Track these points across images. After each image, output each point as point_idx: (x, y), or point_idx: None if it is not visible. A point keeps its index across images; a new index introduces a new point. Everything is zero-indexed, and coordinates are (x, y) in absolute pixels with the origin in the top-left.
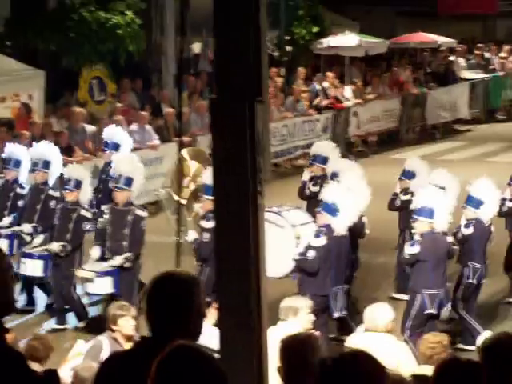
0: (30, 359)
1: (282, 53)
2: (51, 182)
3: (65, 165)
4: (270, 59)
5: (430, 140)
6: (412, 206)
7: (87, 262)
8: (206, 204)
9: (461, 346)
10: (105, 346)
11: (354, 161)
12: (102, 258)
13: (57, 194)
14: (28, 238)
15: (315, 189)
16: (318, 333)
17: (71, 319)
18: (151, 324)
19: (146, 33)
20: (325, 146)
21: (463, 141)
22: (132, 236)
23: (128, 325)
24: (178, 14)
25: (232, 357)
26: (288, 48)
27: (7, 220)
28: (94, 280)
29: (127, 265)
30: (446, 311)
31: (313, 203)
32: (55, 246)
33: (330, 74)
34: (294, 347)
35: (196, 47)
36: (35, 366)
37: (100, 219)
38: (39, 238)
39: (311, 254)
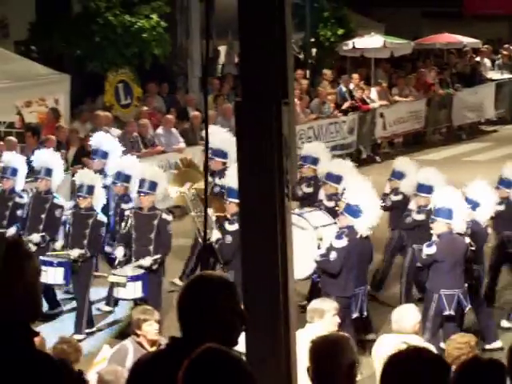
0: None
1: (307, 55)
2: (54, 190)
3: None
4: (296, 61)
5: (456, 141)
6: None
7: (115, 266)
8: (230, 207)
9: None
10: (130, 350)
11: (380, 161)
12: (127, 261)
13: (62, 202)
14: (34, 248)
15: (308, 190)
16: (349, 333)
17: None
18: (182, 325)
19: (171, 36)
20: (315, 147)
21: (489, 141)
22: (158, 240)
23: (152, 329)
24: (203, 17)
25: (260, 360)
26: (313, 50)
27: (11, 230)
28: (126, 285)
29: (155, 267)
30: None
31: (305, 204)
32: (76, 253)
33: (355, 76)
34: (324, 348)
35: (222, 50)
36: None
37: (122, 223)
38: (59, 244)
39: (333, 255)
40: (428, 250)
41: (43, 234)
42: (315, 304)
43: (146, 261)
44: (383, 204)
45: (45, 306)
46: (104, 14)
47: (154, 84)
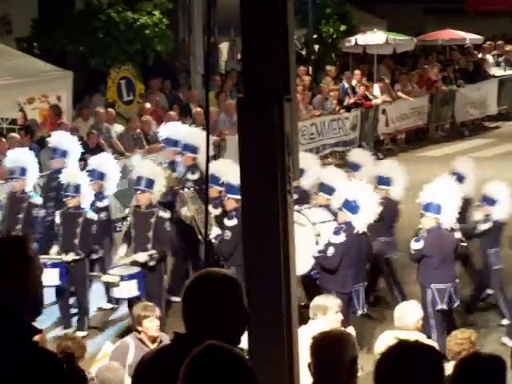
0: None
1: (309, 51)
2: (28, 189)
3: None
4: (298, 58)
5: (459, 137)
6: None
7: (112, 264)
8: (229, 203)
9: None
10: (131, 347)
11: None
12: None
13: (38, 201)
14: None
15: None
16: (351, 329)
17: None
18: (186, 321)
19: (173, 33)
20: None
21: (492, 138)
22: (156, 238)
23: (153, 326)
24: (206, 14)
25: (262, 356)
26: (316, 46)
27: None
28: (120, 284)
29: (151, 263)
30: None
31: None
32: (69, 257)
33: (357, 72)
34: (325, 344)
35: (224, 47)
36: None
37: (124, 222)
38: (55, 248)
39: (331, 251)
40: (416, 245)
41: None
42: (318, 300)
43: (141, 256)
44: None
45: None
46: (106, 10)
47: (156, 80)
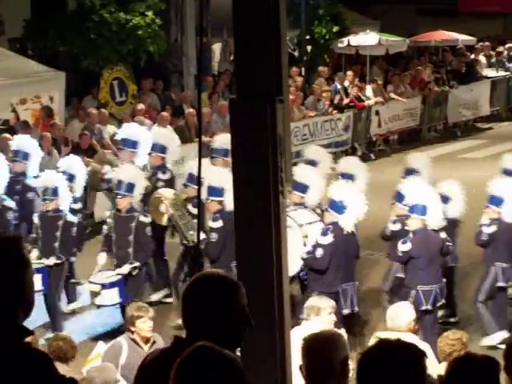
0: (58, 360)
1: (302, 52)
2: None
3: (86, 165)
4: (291, 58)
5: (451, 138)
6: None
7: (94, 271)
8: (211, 205)
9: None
10: (124, 347)
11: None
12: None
13: (11, 204)
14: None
15: None
16: (342, 330)
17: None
18: (185, 325)
19: (166, 33)
20: None
21: (484, 139)
22: (137, 242)
23: (145, 326)
24: (198, 15)
25: (255, 357)
26: (308, 47)
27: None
28: (101, 292)
29: (135, 272)
30: None
31: None
32: (51, 261)
33: (349, 73)
34: (316, 345)
35: (216, 47)
36: (62, 367)
37: (104, 226)
38: (35, 253)
39: (319, 251)
40: (403, 247)
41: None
42: (312, 301)
43: (124, 269)
44: None
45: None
46: (99, 11)
47: (148, 81)
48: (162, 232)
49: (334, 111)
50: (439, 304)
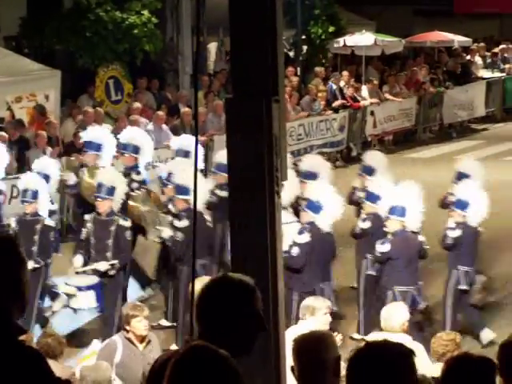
0: (46, 357)
1: (298, 52)
2: None
3: (81, 165)
4: (286, 58)
5: (447, 139)
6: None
7: (70, 274)
8: (178, 203)
9: None
10: (119, 345)
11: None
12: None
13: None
14: None
15: (223, 194)
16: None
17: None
18: (198, 327)
19: (161, 32)
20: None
21: (479, 140)
22: (116, 247)
23: (141, 325)
24: (194, 14)
25: (249, 358)
26: (304, 47)
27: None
28: (77, 295)
29: (112, 272)
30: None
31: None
32: (30, 264)
33: (345, 73)
34: (306, 345)
35: (212, 47)
36: (52, 364)
37: (83, 229)
38: None
39: (295, 250)
40: (382, 248)
41: None
42: (308, 301)
43: (102, 265)
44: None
45: None
46: (95, 9)
47: (144, 80)
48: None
49: (330, 111)
50: (421, 307)
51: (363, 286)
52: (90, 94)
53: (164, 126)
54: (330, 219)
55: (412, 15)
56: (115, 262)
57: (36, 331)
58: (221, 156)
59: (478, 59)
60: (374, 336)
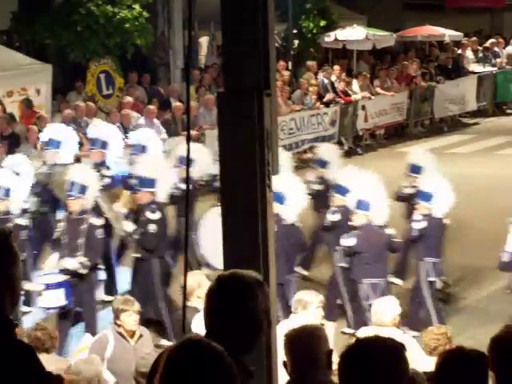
0: (37, 350)
1: (289, 46)
2: None
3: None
4: (278, 52)
5: (438, 133)
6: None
7: (39, 273)
8: (144, 196)
9: None
10: (110, 340)
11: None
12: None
13: None
14: None
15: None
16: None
17: None
18: (208, 322)
19: (153, 27)
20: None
21: (471, 134)
22: (87, 246)
23: (130, 320)
24: (185, 8)
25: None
26: (296, 41)
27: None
28: (43, 293)
29: (82, 271)
30: None
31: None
32: None
33: (336, 67)
34: (298, 340)
35: (203, 41)
36: (43, 357)
37: (57, 229)
38: None
39: None
40: (347, 242)
41: None
42: (300, 295)
43: (70, 263)
44: None
45: None
46: (86, 4)
47: (135, 74)
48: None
49: (321, 105)
50: None
51: (341, 279)
52: (79, 91)
53: (155, 121)
54: (295, 211)
55: (403, 9)
56: (85, 259)
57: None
58: (181, 150)
59: (469, 53)
60: (365, 331)
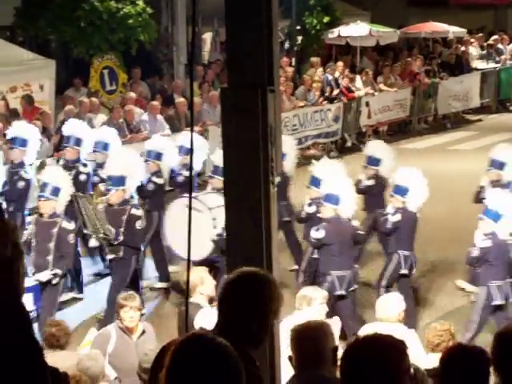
0: (51, 347)
1: (293, 42)
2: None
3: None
4: (281, 49)
5: (441, 130)
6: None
7: None
8: (117, 194)
9: None
10: (112, 335)
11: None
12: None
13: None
14: None
15: (160, 181)
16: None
17: None
18: (220, 318)
19: (156, 22)
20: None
21: (474, 131)
22: (58, 250)
23: (127, 316)
24: (189, 4)
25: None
26: (299, 38)
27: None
28: None
29: (55, 281)
30: None
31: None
32: None
33: (340, 64)
34: (304, 335)
35: (207, 37)
36: (56, 353)
37: (25, 231)
38: None
39: None
40: (316, 234)
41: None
42: (304, 291)
43: (44, 275)
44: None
45: None
46: None
47: (139, 70)
48: None
49: (324, 102)
50: (352, 289)
51: (305, 268)
52: (76, 87)
53: (159, 116)
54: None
55: (407, 6)
56: (57, 271)
57: None
58: (152, 145)
59: (472, 50)
60: (369, 327)
